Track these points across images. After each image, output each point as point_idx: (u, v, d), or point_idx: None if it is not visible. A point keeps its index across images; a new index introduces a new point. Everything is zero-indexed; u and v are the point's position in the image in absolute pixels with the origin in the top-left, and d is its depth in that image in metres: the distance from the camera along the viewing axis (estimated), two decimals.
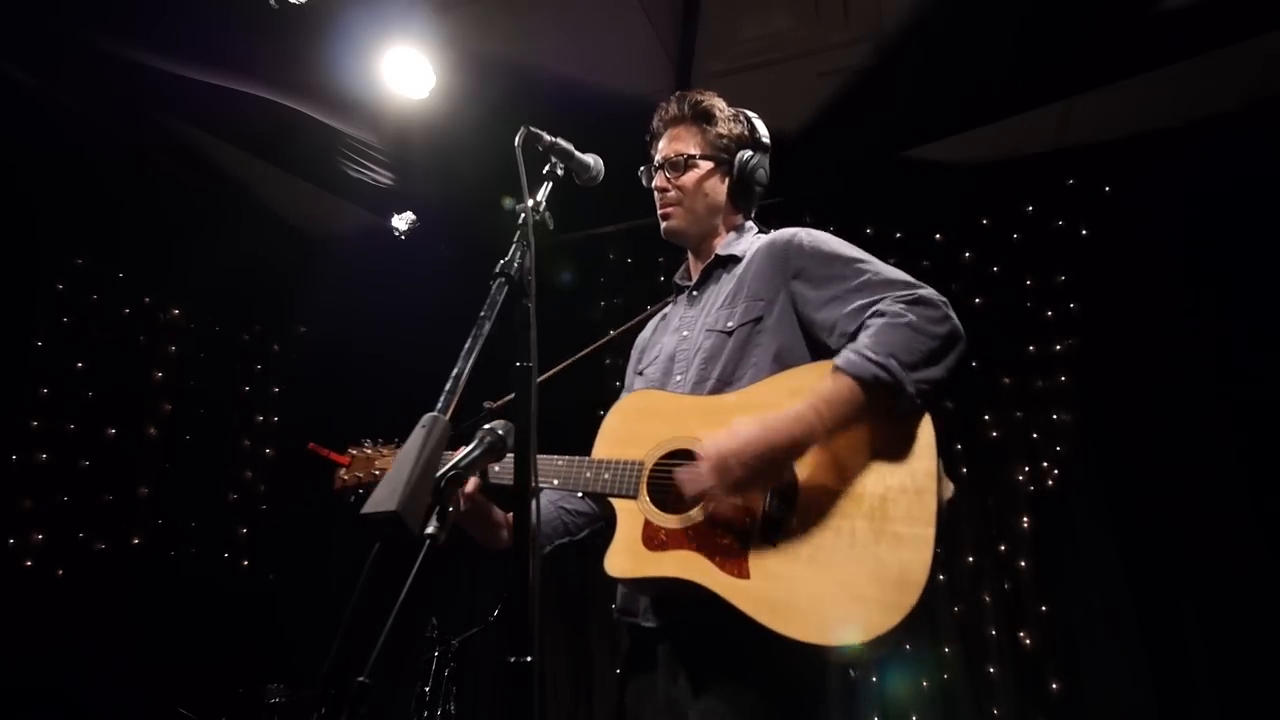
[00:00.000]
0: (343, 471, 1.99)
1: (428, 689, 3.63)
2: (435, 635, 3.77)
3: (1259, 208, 4.12)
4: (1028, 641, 4.19)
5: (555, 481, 1.75)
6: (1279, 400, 3.95)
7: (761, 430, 1.49)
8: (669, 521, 1.61)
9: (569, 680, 4.86)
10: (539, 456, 1.75)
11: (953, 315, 1.59)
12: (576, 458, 1.77)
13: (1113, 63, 4.06)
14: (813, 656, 1.46)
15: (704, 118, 2.00)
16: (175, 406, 5.21)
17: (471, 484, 1.72)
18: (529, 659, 1.11)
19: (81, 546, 4.66)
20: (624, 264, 5.50)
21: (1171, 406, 4.16)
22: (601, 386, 4.83)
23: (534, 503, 1.21)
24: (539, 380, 1.82)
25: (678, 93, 2.05)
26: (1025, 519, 4.35)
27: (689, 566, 1.55)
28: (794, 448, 1.50)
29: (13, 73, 3.93)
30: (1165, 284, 4.33)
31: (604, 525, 1.94)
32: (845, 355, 1.53)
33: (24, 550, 4.45)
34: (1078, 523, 4.27)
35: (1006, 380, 4.57)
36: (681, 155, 1.97)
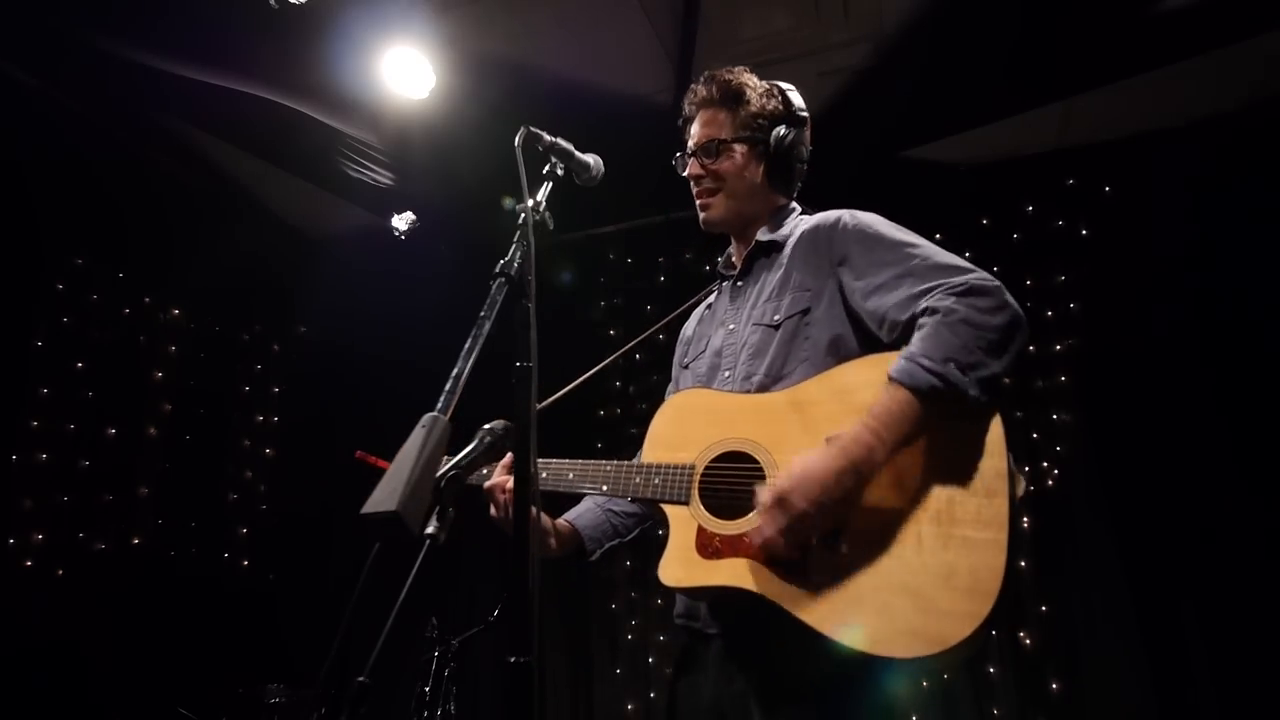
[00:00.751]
0: None
1: (428, 689, 3.63)
2: (435, 635, 3.77)
3: (1259, 208, 4.12)
4: (1028, 641, 4.19)
5: (605, 488, 1.70)
6: (1278, 400, 3.95)
7: (834, 469, 1.41)
8: (724, 528, 1.55)
9: (569, 680, 4.86)
10: (589, 463, 1.74)
11: (1009, 299, 1.51)
12: (625, 462, 1.72)
13: (1113, 63, 4.06)
14: (868, 665, 1.38)
15: (735, 98, 1.89)
16: (175, 406, 5.21)
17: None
18: (529, 659, 1.11)
19: (81, 546, 4.66)
20: (624, 264, 5.50)
21: (1171, 406, 4.16)
22: (600, 385, 4.83)
23: (535, 503, 1.21)
24: (554, 400, 1.83)
25: (707, 73, 1.95)
26: (1025, 519, 4.35)
27: (746, 575, 1.49)
28: (860, 478, 1.42)
29: (13, 73, 3.93)
30: (1165, 284, 4.33)
31: (652, 523, 1.94)
32: (900, 364, 1.45)
33: (24, 550, 4.45)
34: (1078, 523, 4.27)
35: (1006, 380, 4.56)
36: (714, 140, 1.87)
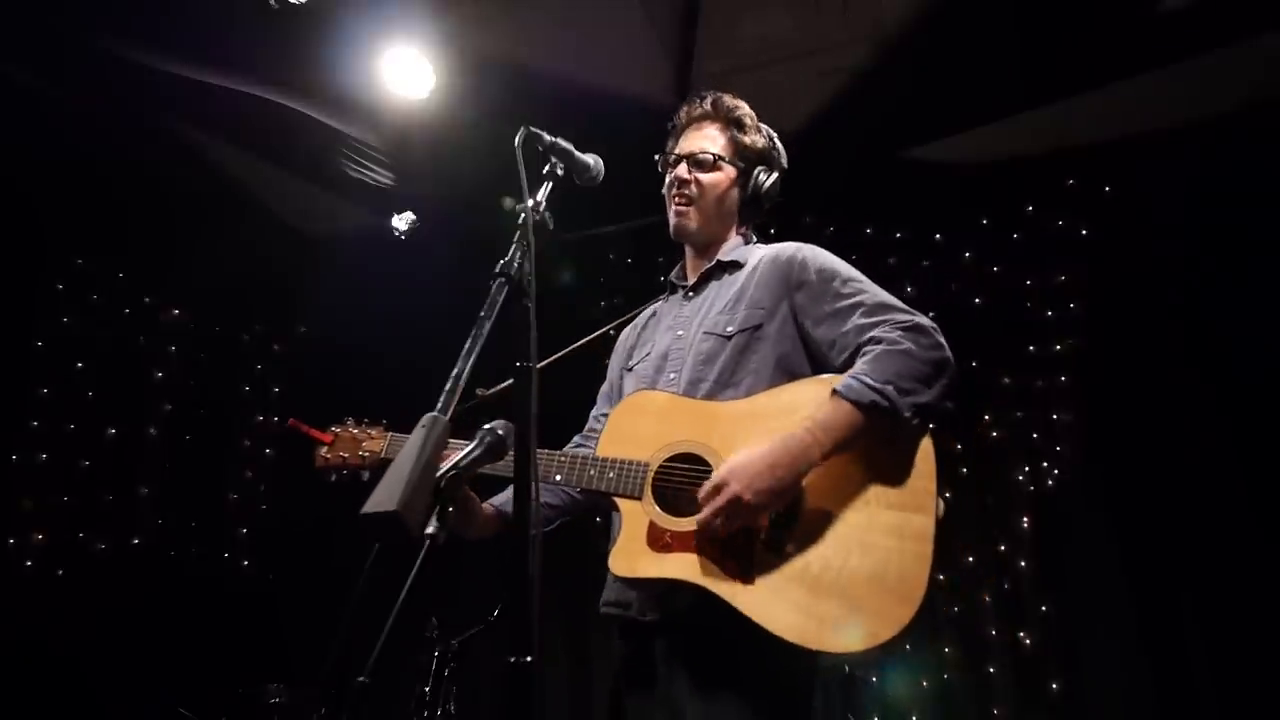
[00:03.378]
0: (324, 450, 1.97)
1: (428, 689, 3.63)
2: (435, 635, 3.76)
3: (1259, 208, 4.12)
4: (1028, 641, 4.19)
5: (558, 477, 1.76)
6: (1278, 400, 3.95)
7: (768, 460, 1.55)
8: (675, 524, 1.63)
9: (569, 680, 4.86)
10: (542, 451, 1.76)
11: (944, 343, 1.67)
12: (580, 454, 1.77)
13: (1113, 63, 4.06)
14: (808, 660, 1.54)
15: (736, 124, 2.00)
16: (175, 406, 5.21)
17: None
18: (529, 659, 1.11)
19: (81, 546, 4.66)
20: (624, 264, 5.50)
21: (1171, 407, 4.16)
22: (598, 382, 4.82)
23: (535, 503, 1.21)
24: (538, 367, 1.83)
25: (708, 92, 2.04)
26: (1025, 519, 4.35)
27: (693, 569, 1.59)
28: (795, 474, 1.56)
29: (13, 73, 3.93)
30: (1165, 284, 4.33)
31: (571, 519, 1.99)
32: (845, 381, 1.60)
33: (24, 550, 4.45)
34: (1078, 523, 4.27)
35: (1006, 380, 4.57)
36: (710, 154, 1.97)
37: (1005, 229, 4.75)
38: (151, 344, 5.19)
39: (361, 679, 1.03)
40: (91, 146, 4.42)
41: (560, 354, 2.11)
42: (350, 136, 4.45)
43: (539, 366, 1.58)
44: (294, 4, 3.40)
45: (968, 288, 4.66)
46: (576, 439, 2.10)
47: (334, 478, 1.95)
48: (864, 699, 4.23)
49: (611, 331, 2.32)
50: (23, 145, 4.21)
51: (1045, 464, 4.41)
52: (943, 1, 3.83)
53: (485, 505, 1.87)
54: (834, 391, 1.60)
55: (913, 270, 4.69)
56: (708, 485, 1.57)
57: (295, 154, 4.61)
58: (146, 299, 5.20)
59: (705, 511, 1.56)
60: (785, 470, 1.55)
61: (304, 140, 4.42)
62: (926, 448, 1.61)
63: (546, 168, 1.57)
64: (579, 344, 2.18)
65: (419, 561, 1.09)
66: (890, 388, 1.57)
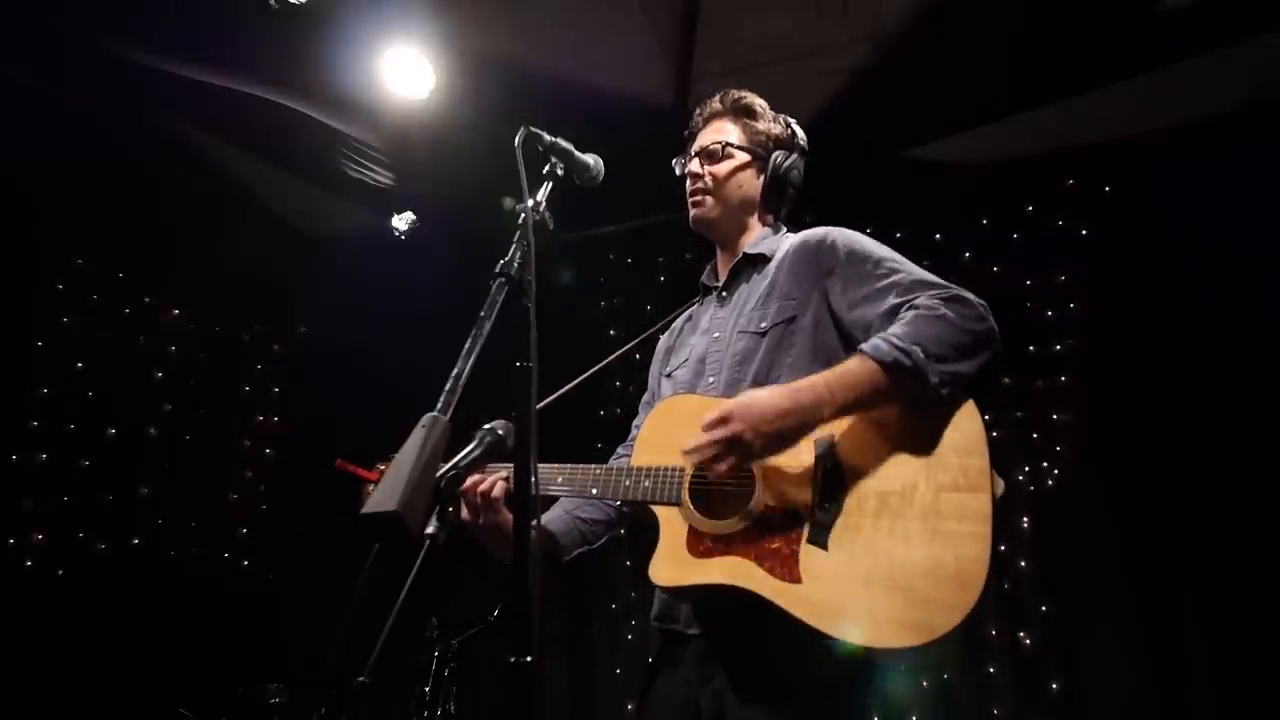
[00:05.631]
0: (372, 488, 1.94)
1: (428, 689, 3.63)
2: (435, 635, 3.76)
3: (1259, 208, 4.12)
4: (1028, 641, 4.18)
5: (594, 490, 1.73)
6: (1278, 400, 3.95)
7: (778, 405, 1.49)
8: (715, 527, 1.58)
9: (569, 680, 4.86)
10: (578, 466, 1.75)
11: (990, 318, 1.60)
12: (615, 466, 1.75)
13: (1113, 63, 4.06)
14: (864, 661, 1.45)
15: (746, 113, 1.99)
16: (175, 406, 5.21)
17: (499, 488, 1.71)
18: (529, 659, 1.11)
19: (81, 546, 4.66)
20: (624, 264, 5.50)
21: (1172, 407, 4.16)
22: (600, 387, 4.83)
23: (534, 503, 1.21)
24: (548, 401, 1.82)
25: (720, 92, 2.04)
26: (1025, 519, 4.35)
27: (738, 572, 1.52)
28: (802, 424, 1.50)
29: (13, 73, 3.93)
30: (1165, 284, 4.32)
31: (622, 532, 1.96)
32: (872, 341, 1.54)
33: (24, 550, 4.45)
34: (1078, 523, 4.26)
35: (1006, 380, 4.56)
36: (719, 144, 1.95)
37: (1005, 229, 4.75)
38: (151, 344, 5.19)
39: (361, 679, 1.03)
40: (91, 146, 4.42)
41: (578, 380, 2.04)
42: (350, 136, 4.45)
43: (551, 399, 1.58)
44: (294, 4, 3.40)
45: (967, 287, 4.62)
46: (619, 450, 2.06)
47: None
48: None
49: (635, 354, 2.27)
50: (23, 145, 4.20)
51: (1045, 464, 4.40)
52: (943, 1, 3.83)
53: None
54: (858, 350, 1.53)
55: None
56: (713, 414, 1.51)
57: (295, 154, 4.61)
58: (146, 299, 5.20)
59: (704, 438, 1.50)
60: (793, 419, 1.48)
61: (304, 140, 4.42)
62: (976, 422, 1.52)
63: (546, 168, 1.57)
64: (591, 371, 2.14)
65: (419, 561, 1.09)
66: (918, 349, 1.49)
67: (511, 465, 1.66)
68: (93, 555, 4.69)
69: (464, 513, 1.73)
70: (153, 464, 5.06)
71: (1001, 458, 4.46)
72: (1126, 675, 3.97)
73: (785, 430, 1.49)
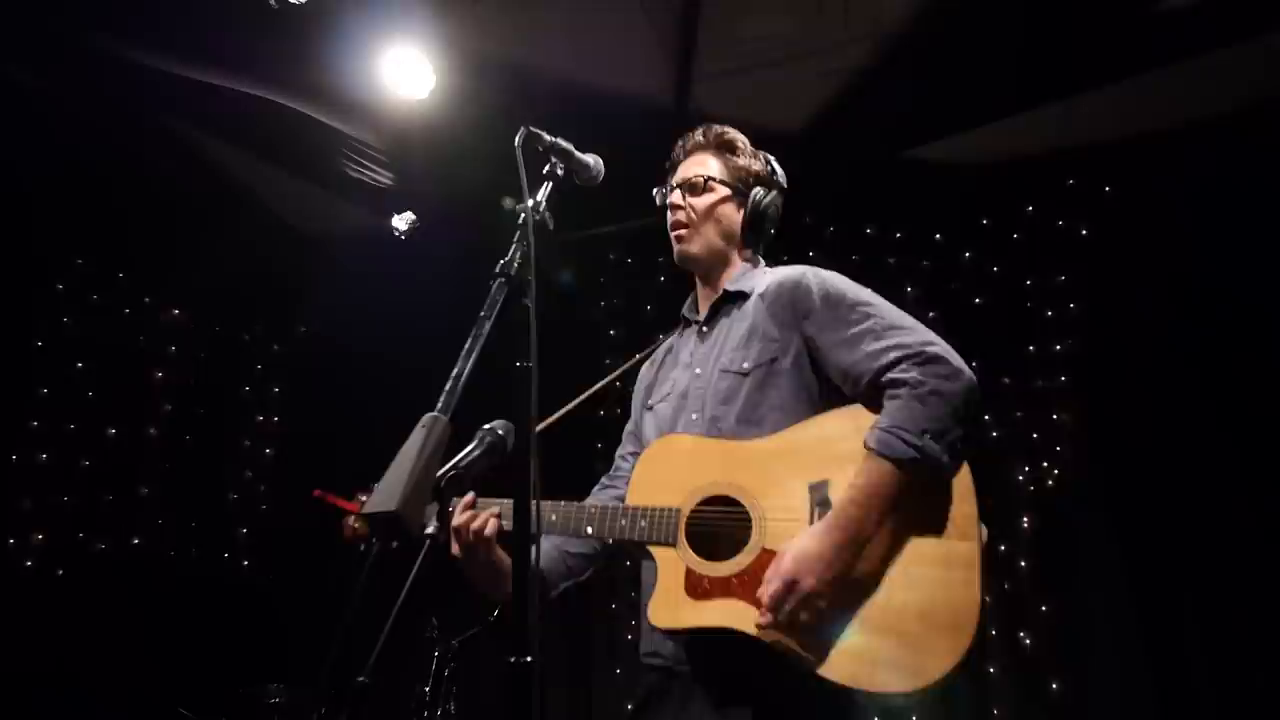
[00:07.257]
0: (352, 520, 1.90)
1: (428, 689, 3.63)
2: (435, 635, 3.76)
3: (1259, 208, 4.12)
4: (1028, 641, 4.18)
5: (590, 529, 1.74)
6: (1278, 400, 3.95)
7: (833, 544, 1.51)
8: (713, 570, 1.60)
9: (569, 680, 4.86)
10: (572, 504, 1.77)
11: (962, 365, 1.63)
12: (611, 504, 1.76)
13: (1113, 63, 4.06)
14: (860, 705, 1.49)
15: (727, 148, 2.01)
16: (175, 406, 5.21)
17: (491, 525, 1.70)
18: (529, 659, 1.11)
19: (81, 546, 4.66)
20: (624, 264, 5.49)
21: (1171, 406, 4.16)
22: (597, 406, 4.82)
23: (535, 504, 1.21)
24: (542, 426, 1.82)
25: (701, 125, 2.05)
26: (1025, 519, 4.35)
27: (736, 615, 1.55)
28: (855, 550, 1.53)
29: (13, 73, 3.93)
30: (1165, 284, 4.32)
31: (605, 565, 1.97)
32: (879, 435, 1.55)
33: (24, 550, 4.45)
34: (1078, 523, 4.26)
35: (1006, 380, 4.56)
36: (701, 177, 1.96)
37: (1005, 229, 4.75)
38: (151, 344, 5.19)
39: (361, 679, 1.03)
40: (91, 146, 4.42)
41: (569, 406, 2.06)
42: (350, 136, 4.45)
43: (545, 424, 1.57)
44: (294, 4, 3.40)
45: (968, 288, 4.65)
46: (604, 479, 2.06)
47: (364, 547, 1.85)
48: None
49: (618, 384, 2.29)
50: (23, 145, 4.20)
51: (1045, 464, 4.41)
52: (943, 1, 3.83)
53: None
54: (870, 449, 1.55)
55: (913, 270, 4.68)
56: (775, 585, 1.50)
57: (295, 154, 4.61)
58: (146, 299, 5.20)
59: (783, 612, 1.50)
60: (848, 550, 1.51)
61: (304, 140, 4.42)
62: (965, 472, 1.57)
63: (546, 168, 1.56)
64: (587, 394, 2.15)
65: (419, 561, 1.09)
66: (927, 438, 1.53)
67: (504, 501, 1.70)
68: (93, 555, 4.68)
69: (454, 549, 1.72)
70: (153, 464, 5.06)
71: (1001, 458, 4.47)
72: (1126, 675, 3.97)
73: (846, 564, 1.51)
